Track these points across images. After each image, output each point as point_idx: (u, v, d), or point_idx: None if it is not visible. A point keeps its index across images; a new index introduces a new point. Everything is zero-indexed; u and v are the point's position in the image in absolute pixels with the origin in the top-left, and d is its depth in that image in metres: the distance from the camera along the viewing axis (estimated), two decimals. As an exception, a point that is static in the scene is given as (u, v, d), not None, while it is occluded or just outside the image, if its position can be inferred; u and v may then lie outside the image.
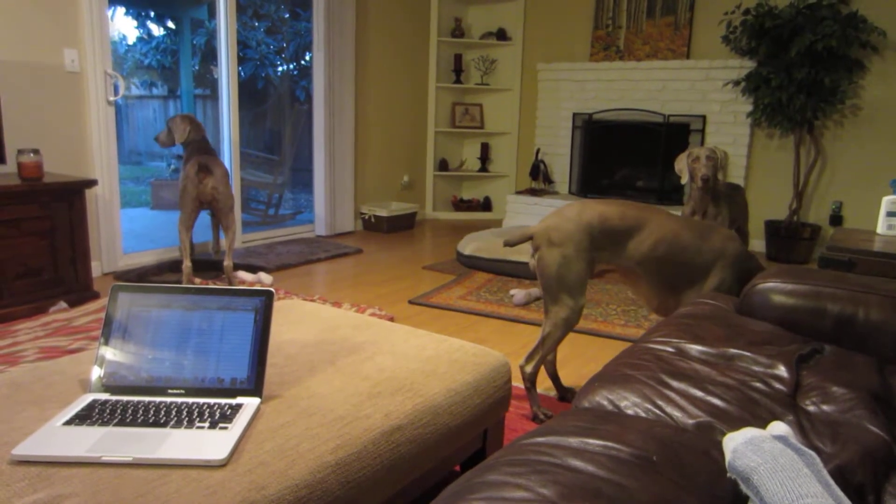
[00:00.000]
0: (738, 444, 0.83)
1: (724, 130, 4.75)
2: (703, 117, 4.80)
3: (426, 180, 5.87)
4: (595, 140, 5.32)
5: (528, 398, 2.05)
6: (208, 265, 3.71)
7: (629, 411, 1.13)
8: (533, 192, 5.42)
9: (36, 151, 2.91)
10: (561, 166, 5.53)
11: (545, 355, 1.99)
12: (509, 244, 1.97)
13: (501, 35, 5.72)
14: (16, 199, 2.73)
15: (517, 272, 3.77)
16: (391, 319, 2.94)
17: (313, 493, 1.01)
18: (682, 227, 1.93)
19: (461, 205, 6.01)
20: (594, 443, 0.93)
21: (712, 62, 4.70)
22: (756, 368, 1.23)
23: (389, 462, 1.16)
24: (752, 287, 1.54)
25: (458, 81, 5.80)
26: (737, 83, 4.49)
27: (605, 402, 1.16)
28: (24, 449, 1.00)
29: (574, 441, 0.94)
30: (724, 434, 1.03)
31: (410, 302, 3.25)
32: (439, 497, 0.84)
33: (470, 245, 3.98)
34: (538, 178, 5.51)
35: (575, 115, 5.38)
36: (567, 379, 2.37)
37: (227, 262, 3.31)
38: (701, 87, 4.80)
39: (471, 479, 0.85)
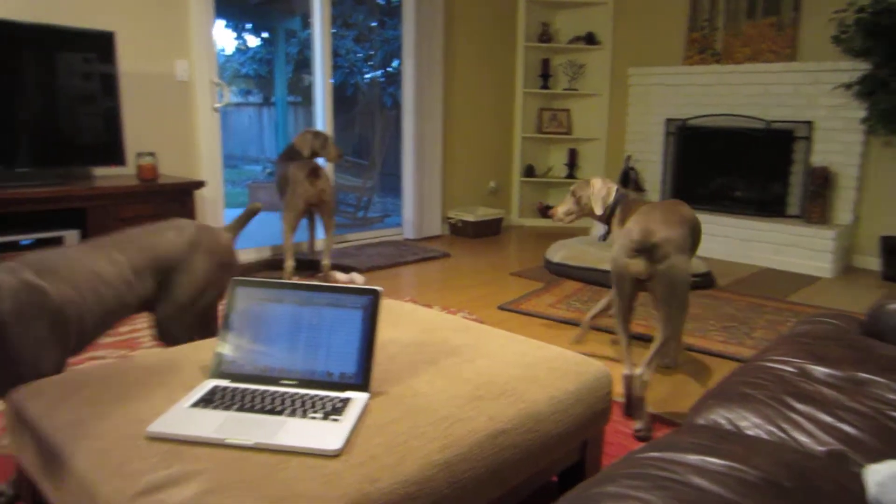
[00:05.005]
0: (885, 478, 0.77)
1: (832, 137, 4.45)
2: (810, 123, 4.52)
3: (512, 186, 5.85)
4: (689, 147, 5.12)
5: (636, 411, 1.91)
6: (304, 264, 3.86)
7: (749, 432, 1.07)
8: (621, 200, 5.28)
9: (152, 154, 3.12)
10: (652, 174, 5.37)
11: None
12: (640, 272, 1.92)
13: (590, 39, 5.63)
14: (135, 199, 2.94)
15: (607, 282, 3.67)
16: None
17: (422, 490, 1.02)
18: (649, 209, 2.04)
19: (547, 211, 5.94)
20: (717, 462, 0.89)
21: (820, 64, 4.42)
22: (892, 396, 1.14)
23: (494, 465, 1.16)
24: (881, 308, 1.42)
25: (545, 87, 5.75)
26: (848, 86, 4.20)
27: (723, 421, 1.10)
28: (157, 427, 1.07)
29: (694, 458, 0.90)
30: (862, 465, 0.96)
31: (500, 308, 3.25)
32: (558, 501, 0.82)
33: (559, 252, 3.91)
34: (628, 186, 5.37)
35: (668, 120, 5.20)
36: (656, 394, 2.28)
37: (326, 262, 3.43)
38: (807, 92, 4.52)
39: (590, 489, 0.83)
